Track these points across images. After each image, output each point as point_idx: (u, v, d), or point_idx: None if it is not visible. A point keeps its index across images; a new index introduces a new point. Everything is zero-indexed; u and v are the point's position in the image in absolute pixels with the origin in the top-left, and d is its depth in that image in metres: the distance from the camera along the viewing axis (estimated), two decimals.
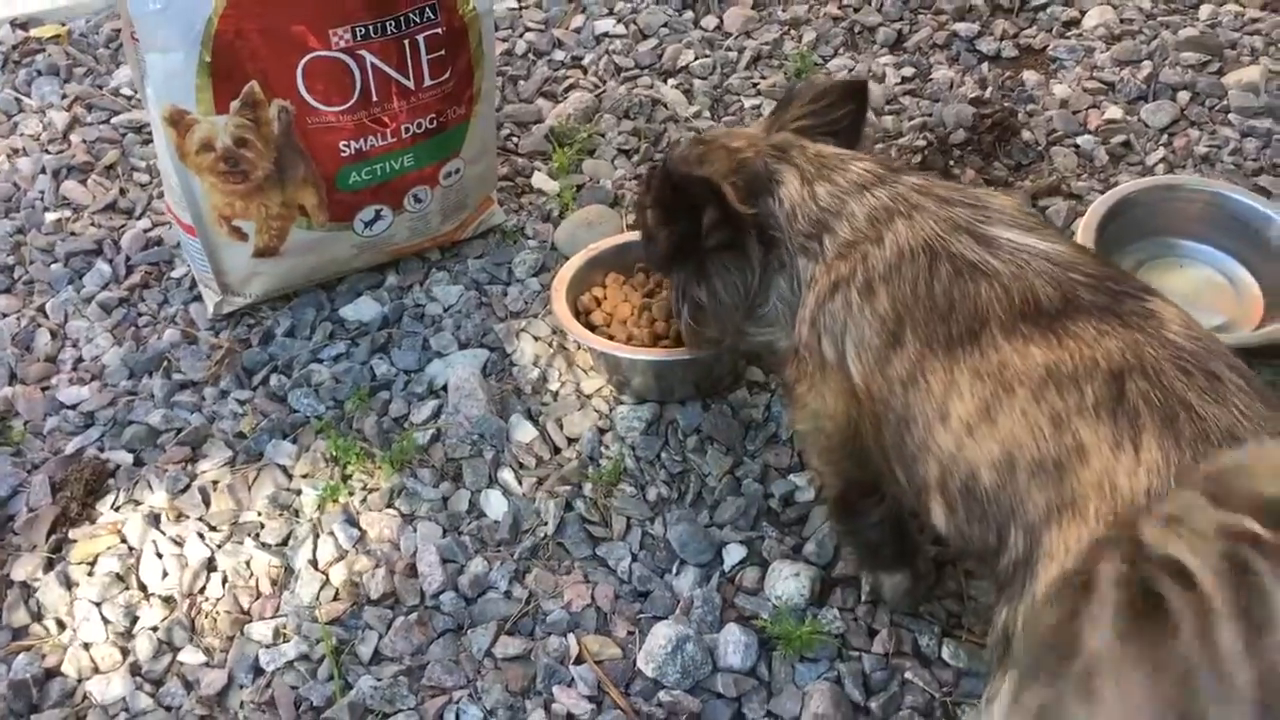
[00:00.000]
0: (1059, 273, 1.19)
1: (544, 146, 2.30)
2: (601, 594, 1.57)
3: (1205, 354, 1.09)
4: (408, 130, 1.87)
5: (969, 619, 1.51)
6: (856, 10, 2.63)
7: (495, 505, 1.68)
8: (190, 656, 1.53)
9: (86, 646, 1.55)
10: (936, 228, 1.26)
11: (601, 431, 1.77)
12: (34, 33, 2.65)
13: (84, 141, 2.35)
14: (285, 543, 1.65)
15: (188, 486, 1.72)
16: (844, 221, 1.33)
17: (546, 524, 1.65)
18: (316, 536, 1.65)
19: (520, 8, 2.68)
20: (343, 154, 1.84)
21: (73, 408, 1.86)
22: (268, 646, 1.53)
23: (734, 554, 1.60)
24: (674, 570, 1.59)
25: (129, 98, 2.47)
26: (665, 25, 2.60)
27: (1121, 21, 2.56)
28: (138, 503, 1.71)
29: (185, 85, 1.70)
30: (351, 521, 1.67)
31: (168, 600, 1.60)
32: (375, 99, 1.81)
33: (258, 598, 1.59)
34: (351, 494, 1.70)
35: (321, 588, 1.60)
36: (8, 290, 2.07)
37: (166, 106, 1.72)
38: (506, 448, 1.75)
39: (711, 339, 1.57)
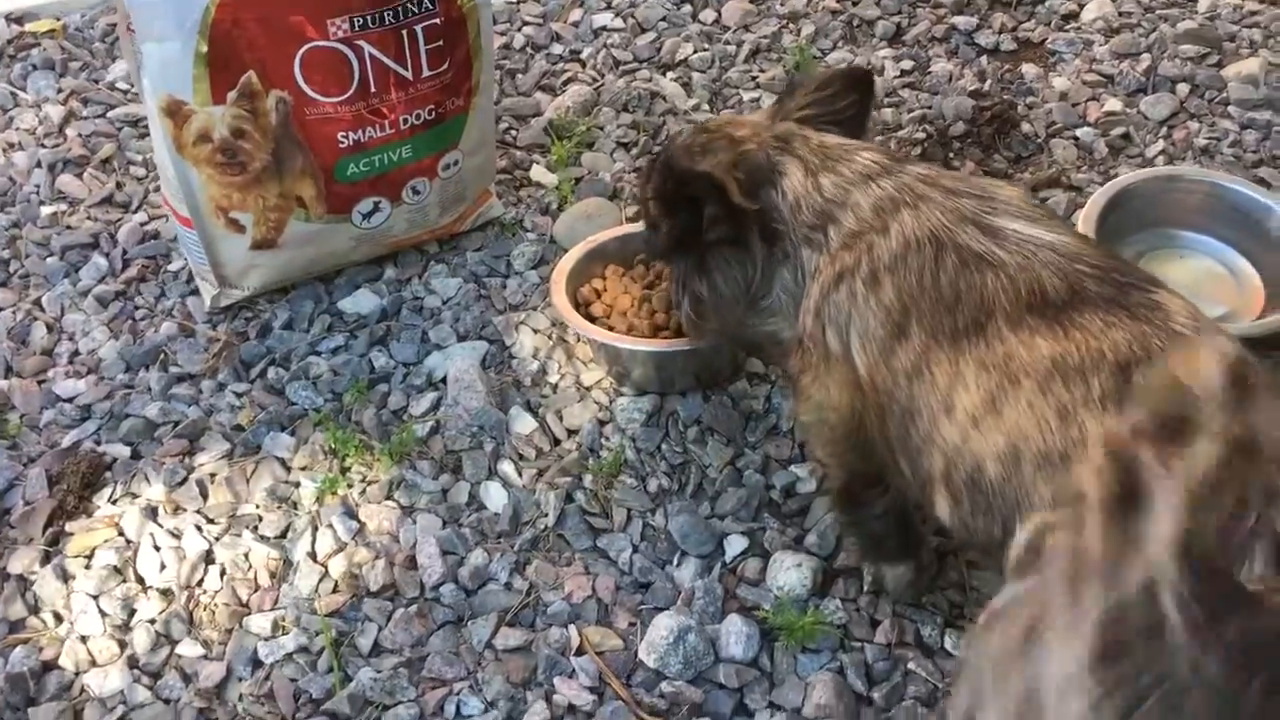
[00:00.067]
0: (1065, 264, 1.18)
1: (542, 139, 2.29)
2: (602, 585, 1.56)
3: None
4: (406, 122, 1.86)
5: (972, 609, 1.51)
6: (855, 3, 2.62)
7: (495, 497, 1.67)
8: (188, 649, 1.53)
9: (84, 639, 1.54)
10: (943, 218, 1.26)
11: (602, 423, 1.76)
12: (29, 27, 2.63)
13: (80, 135, 2.34)
14: (284, 535, 1.65)
15: (185, 479, 1.71)
16: (849, 212, 1.32)
17: (547, 516, 1.64)
18: (315, 529, 1.64)
19: (518, 1, 2.67)
20: (341, 145, 1.83)
21: (69, 401, 1.85)
22: (266, 639, 1.53)
23: (735, 545, 1.59)
24: (675, 561, 1.59)
25: (125, 92, 2.45)
26: (664, 19, 2.60)
27: (1120, 14, 2.55)
28: (135, 496, 1.70)
29: (182, 75, 1.69)
30: (350, 514, 1.66)
31: (165, 593, 1.59)
32: (373, 90, 1.80)
33: (256, 590, 1.59)
34: (350, 486, 1.70)
35: (320, 580, 1.59)
36: (4, 284, 2.06)
37: (163, 97, 1.71)
38: (506, 440, 1.74)
39: (712, 330, 1.57)
